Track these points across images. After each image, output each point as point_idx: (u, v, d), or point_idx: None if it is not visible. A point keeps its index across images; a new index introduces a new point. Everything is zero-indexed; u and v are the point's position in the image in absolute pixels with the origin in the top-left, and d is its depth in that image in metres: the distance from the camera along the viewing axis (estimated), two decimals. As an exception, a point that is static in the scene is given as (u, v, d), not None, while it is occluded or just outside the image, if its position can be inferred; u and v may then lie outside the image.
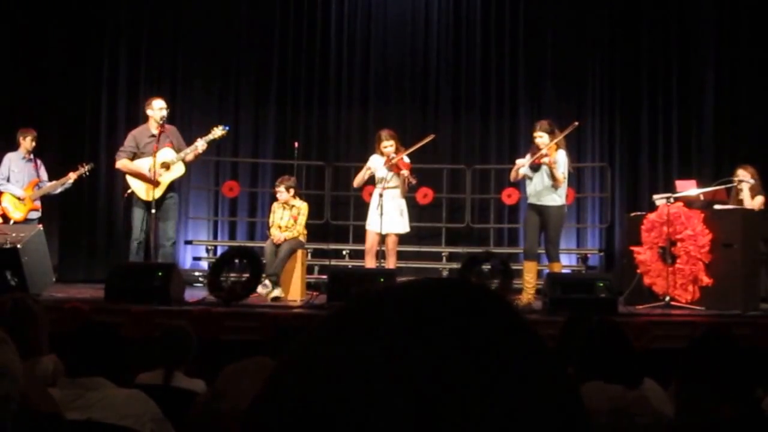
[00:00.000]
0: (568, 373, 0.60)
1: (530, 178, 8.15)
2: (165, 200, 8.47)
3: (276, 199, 8.98)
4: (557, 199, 8.09)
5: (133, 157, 8.44)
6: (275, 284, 8.30)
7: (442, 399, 0.54)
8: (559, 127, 8.26)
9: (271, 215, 8.91)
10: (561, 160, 8.02)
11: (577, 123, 8.63)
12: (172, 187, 8.52)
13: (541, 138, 8.05)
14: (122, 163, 8.51)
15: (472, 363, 0.56)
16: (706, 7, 11.69)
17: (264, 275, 8.14)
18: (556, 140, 8.00)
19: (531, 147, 8.24)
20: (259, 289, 8.14)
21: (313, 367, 0.58)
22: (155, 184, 8.25)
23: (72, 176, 9.42)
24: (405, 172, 8.34)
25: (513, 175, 8.35)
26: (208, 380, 4.16)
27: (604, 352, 3.15)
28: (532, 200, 8.19)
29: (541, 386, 0.58)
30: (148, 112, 8.56)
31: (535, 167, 8.06)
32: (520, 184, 10.02)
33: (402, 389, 0.54)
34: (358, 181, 8.78)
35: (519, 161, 8.29)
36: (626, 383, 3.02)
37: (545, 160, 7.92)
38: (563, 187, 8.12)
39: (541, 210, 8.10)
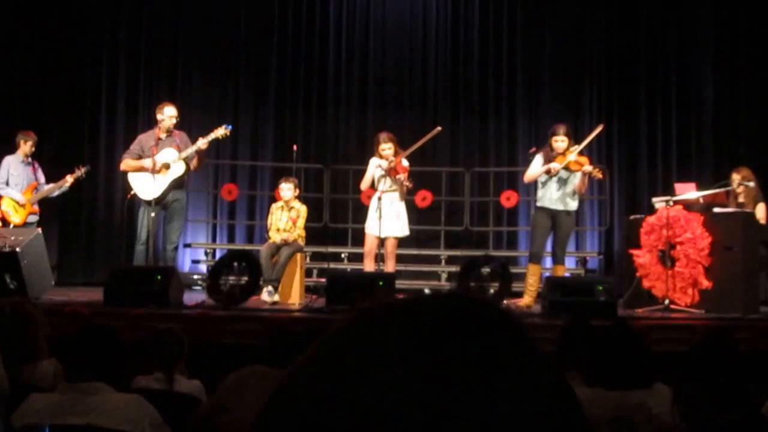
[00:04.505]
0: (572, 390, 0.61)
1: (545, 186, 8.14)
2: (172, 202, 8.48)
3: (275, 200, 8.97)
4: (572, 204, 8.12)
5: (138, 159, 8.45)
6: (275, 288, 8.30)
7: (449, 415, 0.54)
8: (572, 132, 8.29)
9: (270, 217, 8.89)
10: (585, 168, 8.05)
11: (602, 126, 8.61)
12: (178, 188, 8.52)
13: (563, 143, 8.03)
14: (125, 163, 8.54)
15: (477, 381, 0.56)
16: (704, 10, 11.69)
17: (262, 279, 8.13)
18: (584, 144, 8.02)
19: (544, 148, 8.21)
20: (265, 297, 8.14)
21: (318, 385, 0.58)
22: (155, 171, 8.23)
23: (69, 179, 9.42)
24: (401, 176, 8.32)
25: (534, 175, 8.25)
26: (207, 384, 4.17)
27: (620, 355, 3.14)
28: (545, 204, 8.16)
29: (545, 404, 0.58)
30: (158, 116, 8.56)
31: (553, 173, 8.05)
32: (521, 187, 10.05)
33: (408, 407, 0.55)
34: (365, 183, 8.65)
35: (552, 165, 8.16)
36: (640, 385, 3.02)
37: (587, 169, 7.92)
38: (577, 192, 8.15)
39: (554, 214, 8.10)
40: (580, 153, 8.13)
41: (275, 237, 8.62)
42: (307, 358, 0.61)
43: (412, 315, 0.61)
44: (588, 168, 7.94)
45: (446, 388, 0.56)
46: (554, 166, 8.06)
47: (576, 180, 8.02)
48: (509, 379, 0.57)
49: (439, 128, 8.93)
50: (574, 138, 8.27)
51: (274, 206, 8.95)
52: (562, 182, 8.07)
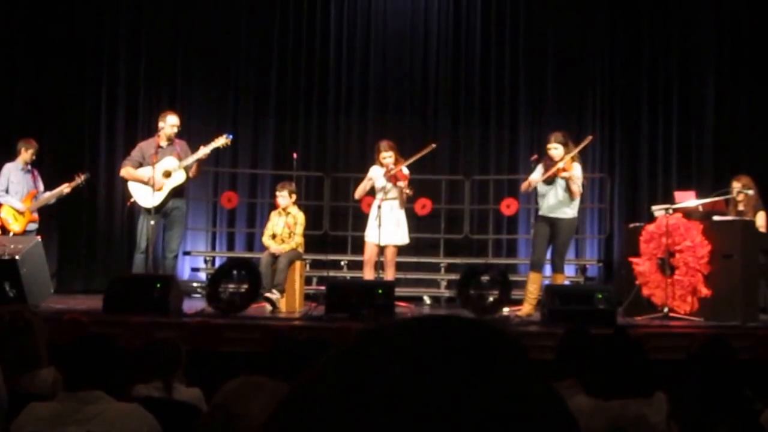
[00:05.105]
0: (570, 412, 0.62)
1: (543, 194, 8.16)
2: (172, 210, 8.49)
3: (275, 208, 8.99)
4: (569, 211, 8.12)
5: (138, 167, 8.46)
6: (281, 291, 8.30)
7: None
8: (572, 139, 8.28)
9: (268, 222, 8.91)
10: (578, 174, 8.04)
11: (591, 137, 8.64)
12: (178, 196, 8.53)
13: (556, 150, 8.05)
14: (125, 170, 8.55)
15: (474, 403, 0.58)
16: (706, 19, 11.72)
17: (263, 288, 8.14)
18: (572, 153, 8.02)
19: (544, 158, 8.23)
20: (272, 296, 8.15)
21: (321, 402, 0.59)
22: (154, 186, 8.25)
23: (66, 188, 9.41)
24: (402, 184, 8.36)
25: (524, 186, 8.35)
26: (207, 392, 4.16)
27: (619, 364, 3.14)
28: (543, 212, 8.19)
29: (542, 425, 0.59)
30: (160, 123, 8.58)
31: (549, 180, 8.06)
32: (521, 194, 10.04)
33: (407, 427, 0.56)
34: (359, 192, 8.79)
35: (533, 176, 8.26)
36: (639, 394, 3.01)
37: (564, 174, 7.92)
38: (576, 200, 8.14)
39: (552, 222, 8.11)
40: (577, 160, 8.14)
41: (268, 243, 8.63)
42: (310, 376, 0.62)
43: (411, 338, 0.63)
44: (565, 174, 7.96)
45: (444, 409, 0.57)
46: (532, 177, 8.18)
47: (573, 186, 8.02)
48: (506, 400, 0.59)
49: (433, 145, 8.95)
50: (575, 144, 8.29)
51: (273, 213, 8.97)
52: (558, 190, 8.08)
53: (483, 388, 0.58)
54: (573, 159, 8.05)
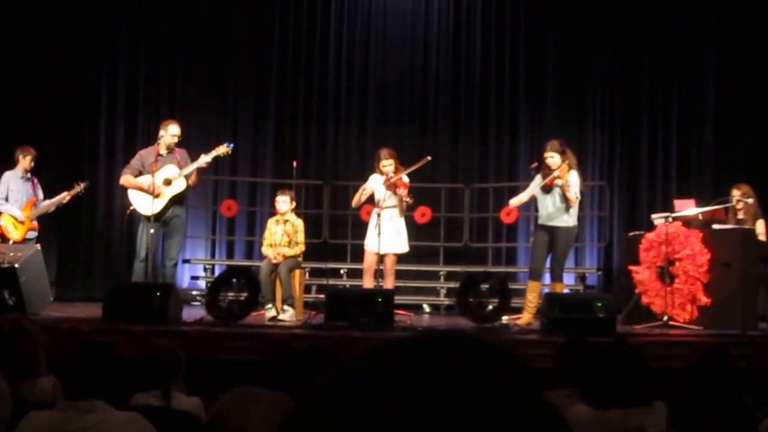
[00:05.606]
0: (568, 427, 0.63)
1: (540, 200, 8.19)
2: (172, 218, 8.49)
3: (272, 215, 8.97)
4: (568, 220, 8.12)
5: (138, 175, 8.47)
6: (292, 305, 8.28)
7: None
8: (569, 147, 8.30)
9: (266, 231, 8.90)
10: (573, 181, 8.04)
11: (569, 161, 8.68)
12: (178, 204, 8.53)
13: (553, 158, 8.06)
14: (125, 178, 8.54)
15: (474, 419, 0.58)
16: (706, 28, 11.74)
17: (262, 296, 8.13)
18: (564, 163, 8.02)
19: (543, 168, 8.25)
20: (285, 316, 8.15)
21: (325, 418, 0.59)
22: (154, 194, 8.25)
23: (66, 196, 9.41)
24: (401, 192, 8.35)
25: (517, 202, 8.43)
26: (206, 401, 4.16)
27: (619, 373, 3.13)
28: (543, 221, 8.21)
29: None
30: (161, 131, 8.58)
31: (547, 189, 8.08)
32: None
33: None
34: (355, 201, 8.80)
35: (515, 198, 8.39)
36: (639, 403, 3.01)
37: (558, 182, 7.94)
38: (575, 208, 8.14)
39: (551, 230, 8.11)
40: (573, 167, 8.17)
41: (268, 252, 8.61)
42: (312, 395, 0.62)
43: (413, 357, 0.64)
44: (559, 182, 7.99)
45: (444, 425, 0.58)
46: (513, 201, 8.48)
47: (568, 194, 8.03)
48: (504, 417, 0.60)
49: (428, 157, 8.93)
50: (573, 152, 8.31)
51: (270, 220, 8.94)
52: (556, 198, 8.09)
53: (481, 405, 0.59)
54: (569, 166, 8.06)
